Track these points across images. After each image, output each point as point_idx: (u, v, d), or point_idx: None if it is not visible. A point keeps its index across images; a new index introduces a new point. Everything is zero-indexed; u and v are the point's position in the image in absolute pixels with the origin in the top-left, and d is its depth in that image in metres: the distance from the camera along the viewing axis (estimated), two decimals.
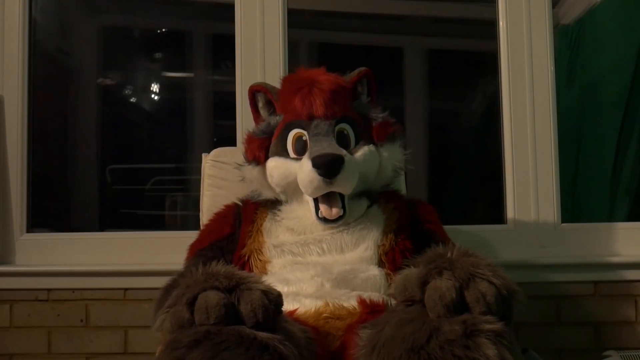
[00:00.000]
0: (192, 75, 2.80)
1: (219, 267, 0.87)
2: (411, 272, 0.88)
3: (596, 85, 2.22)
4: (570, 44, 2.27)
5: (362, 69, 1.29)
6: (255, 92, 1.31)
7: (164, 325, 0.82)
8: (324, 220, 1.13)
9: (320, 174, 1.09)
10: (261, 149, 1.22)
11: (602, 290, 1.62)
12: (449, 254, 0.88)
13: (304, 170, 1.12)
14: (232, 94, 1.74)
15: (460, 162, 2.70)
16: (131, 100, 2.79)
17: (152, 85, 2.79)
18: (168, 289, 1.06)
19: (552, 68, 1.72)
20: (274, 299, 0.83)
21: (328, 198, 1.13)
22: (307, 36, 2.61)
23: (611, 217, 2.11)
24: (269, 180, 1.21)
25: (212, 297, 0.79)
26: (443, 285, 0.81)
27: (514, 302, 0.84)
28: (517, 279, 1.63)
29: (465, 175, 2.62)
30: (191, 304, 0.80)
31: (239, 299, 0.80)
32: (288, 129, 1.20)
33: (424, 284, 0.83)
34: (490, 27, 1.79)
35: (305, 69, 1.26)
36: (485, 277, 0.82)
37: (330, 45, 2.79)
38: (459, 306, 0.80)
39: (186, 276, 0.90)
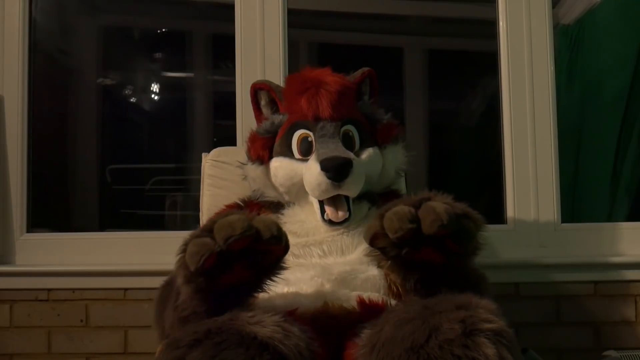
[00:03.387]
0: (192, 75, 2.80)
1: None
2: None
3: (596, 85, 2.22)
4: (570, 44, 2.27)
5: (366, 69, 1.29)
6: (257, 89, 1.30)
7: (187, 251, 0.82)
8: (330, 222, 1.13)
9: (328, 177, 1.09)
10: (265, 148, 1.22)
11: (602, 290, 1.62)
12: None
13: (312, 173, 1.12)
14: (232, 94, 1.74)
15: (460, 162, 2.70)
16: (131, 100, 2.79)
17: (152, 85, 2.79)
18: (167, 286, 1.07)
19: (552, 68, 1.72)
20: (276, 222, 0.86)
21: (334, 200, 1.13)
22: (307, 36, 2.62)
23: (611, 217, 2.11)
24: (273, 180, 1.21)
25: (233, 216, 0.82)
26: (398, 209, 0.85)
27: (471, 222, 0.87)
28: (517, 279, 1.65)
29: (465, 175, 2.62)
30: (210, 231, 0.82)
31: (251, 219, 0.83)
32: (293, 129, 1.19)
33: (381, 216, 0.87)
34: (490, 27, 1.79)
35: (310, 68, 1.25)
36: (438, 198, 0.87)
37: (330, 45, 2.79)
38: (418, 230, 0.83)
39: None
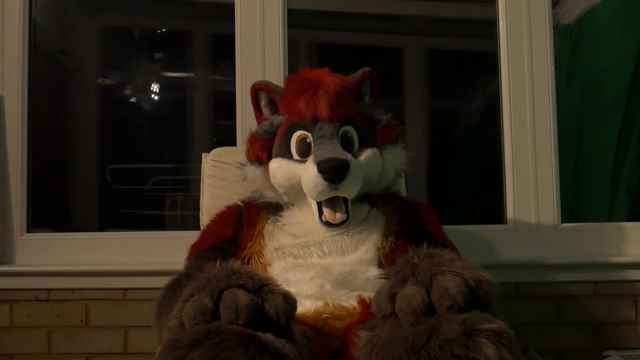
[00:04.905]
0: (192, 75, 2.80)
1: (239, 265, 0.86)
2: (382, 287, 0.87)
3: (596, 85, 2.22)
4: (570, 44, 2.27)
5: (366, 69, 1.28)
6: (257, 90, 1.30)
7: (184, 310, 0.80)
8: (327, 224, 1.13)
9: (325, 179, 1.09)
10: (264, 149, 1.22)
11: (602, 290, 1.62)
12: (414, 260, 0.87)
13: (308, 174, 1.11)
14: (232, 94, 1.74)
15: (460, 162, 2.70)
16: (131, 100, 2.79)
17: (152, 85, 2.79)
18: (171, 288, 1.06)
19: (552, 68, 1.72)
20: (293, 304, 0.83)
21: (332, 202, 1.13)
22: (307, 36, 2.61)
23: (611, 217, 2.11)
24: (272, 181, 1.21)
25: (242, 297, 0.78)
26: (408, 293, 0.80)
27: (487, 289, 0.83)
28: (517, 279, 1.65)
29: (466, 176, 2.62)
30: (217, 297, 0.79)
31: (263, 301, 0.80)
32: (292, 131, 1.19)
33: (392, 296, 0.83)
34: (490, 27, 1.79)
35: (309, 69, 1.25)
36: (448, 272, 0.82)
37: (330, 45, 2.79)
38: (430, 309, 0.79)
39: (202, 270, 0.88)
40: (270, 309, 0.80)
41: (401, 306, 0.80)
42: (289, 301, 0.82)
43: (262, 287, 0.81)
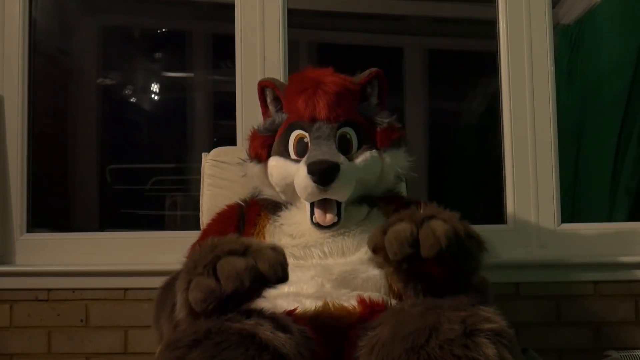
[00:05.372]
0: (192, 75, 2.81)
1: (213, 238, 0.86)
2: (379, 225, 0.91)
3: (596, 85, 2.22)
4: (570, 44, 2.27)
5: (373, 69, 1.26)
6: (263, 87, 1.30)
7: (192, 297, 0.79)
8: (318, 225, 1.13)
9: (314, 181, 1.09)
10: (264, 147, 1.22)
11: (602, 290, 1.62)
12: (417, 209, 0.90)
13: (299, 175, 1.11)
14: (232, 94, 1.74)
15: (460, 162, 2.70)
16: (131, 100, 2.79)
17: (152, 85, 2.79)
18: (167, 287, 1.07)
19: (552, 68, 1.72)
20: (282, 253, 0.84)
21: (324, 204, 1.13)
22: (307, 36, 2.62)
23: (611, 217, 2.11)
24: (270, 178, 1.21)
25: (237, 262, 0.79)
26: (399, 228, 0.84)
27: (474, 244, 0.87)
28: (517, 279, 1.65)
29: (465, 175, 2.62)
30: (213, 272, 0.79)
31: (255, 260, 0.80)
32: (290, 130, 1.19)
33: (385, 231, 0.87)
34: (490, 27, 1.79)
35: (313, 68, 1.24)
36: (441, 217, 0.85)
37: (330, 45, 2.79)
38: (417, 245, 0.83)
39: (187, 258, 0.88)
40: (264, 266, 0.80)
41: (389, 237, 0.85)
42: (279, 252, 0.83)
43: (248, 248, 0.82)
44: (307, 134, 1.17)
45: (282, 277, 0.81)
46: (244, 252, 0.81)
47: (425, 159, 2.57)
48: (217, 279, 0.79)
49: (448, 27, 2.79)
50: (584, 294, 1.62)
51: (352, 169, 1.14)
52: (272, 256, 0.81)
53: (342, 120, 1.17)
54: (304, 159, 1.13)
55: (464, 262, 0.88)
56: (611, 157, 2.12)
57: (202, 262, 0.81)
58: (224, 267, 0.79)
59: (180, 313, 0.84)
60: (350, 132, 1.18)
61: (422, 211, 0.89)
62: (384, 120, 1.23)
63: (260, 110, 1.32)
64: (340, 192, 1.12)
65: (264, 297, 0.85)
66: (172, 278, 1.09)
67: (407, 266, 0.88)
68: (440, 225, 0.84)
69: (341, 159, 1.12)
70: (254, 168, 1.23)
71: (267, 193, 1.23)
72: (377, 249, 0.89)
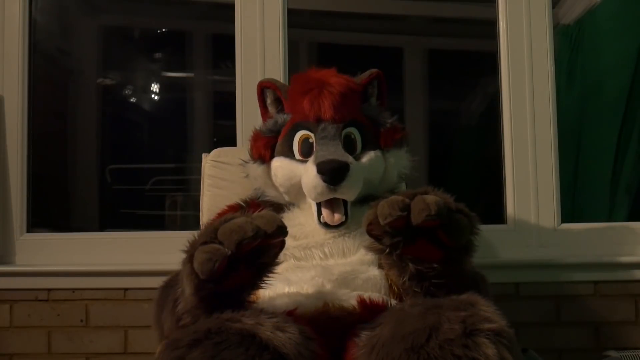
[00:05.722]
0: (192, 75, 2.81)
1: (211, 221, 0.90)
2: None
3: (596, 85, 2.22)
4: (570, 44, 2.27)
5: (374, 70, 1.27)
6: (264, 87, 1.29)
7: (197, 261, 0.81)
8: (326, 225, 1.13)
9: (324, 180, 1.09)
10: (267, 148, 1.22)
11: (602, 290, 1.63)
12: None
13: (308, 175, 1.11)
14: (232, 94, 1.74)
15: (460, 162, 2.70)
16: (131, 100, 2.79)
17: (152, 85, 2.79)
18: (167, 287, 1.07)
19: (552, 68, 1.72)
20: (277, 216, 0.87)
21: (331, 203, 1.13)
22: (307, 36, 2.62)
23: (611, 217, 2.11)
24: (273, 179, 1.21)
25: (236, 220, 0.82)
26: (392, 198, 0.88)
27: (467, 221, 0.90)
28: (517, 279, 1.65)
29: (465, 175, 2.62)
30: (215, 237, 0.82)
31: (252, 219, 0.83)
32: (295, 130, 1.19)
33: (376, 205, 0.90)
34: (490, 27, 1.79)
35: (316, 69, 1.24)
36: (433, 193, 0.89)
37: (330, 45, 2.79)
38: (408, 212, 0.86)
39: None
40: (262, 221, 0.83)
41: (382, 204, 0.88)
42: (273, 214, 0.87)
43: (244, 214, 0.85)
44: (312, 135, 1.17)
45: (281, 227, 0.84)
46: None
47: (425, 159, 2.57)
48: (220, 243, 0.81)
49: (448, 27, 2.79)
50: (584, 294, 1.62)
51: (360, 168, 1.15)
52: (267, 214, 0.85)
53: (346, 120, 1.18)
54: (312, 158, 1.13)
55: (455, 235, 0.90)
56: (611, 157, 2.11)
57: (202, 238, 0.84)
58: (225, 228, 0.82)
59: (186, 290, 0.86)
60: (354, 132, 1.19)
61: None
62: (387, 120, 1.24)
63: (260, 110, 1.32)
64: (349, 192, 1.12)
65: (272, 256, 0.89)
66: (172, 278, 1.09)
67: (400, 250, 0.91)
68: (431, 196, 0.87)
69: (350, 158, 1.12)
70: (257, 169, 1.23)
71: (270, 194, 1.23)
72: (370, 224, 0.91)
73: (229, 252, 0.80)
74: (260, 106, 1.30)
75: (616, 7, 2.18)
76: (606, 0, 2.20)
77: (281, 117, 1.23)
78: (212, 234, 0.83)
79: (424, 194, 0.89)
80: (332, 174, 1.08)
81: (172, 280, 1.07)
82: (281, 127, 1.22)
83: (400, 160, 1.23)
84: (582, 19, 2.28)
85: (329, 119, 1.16)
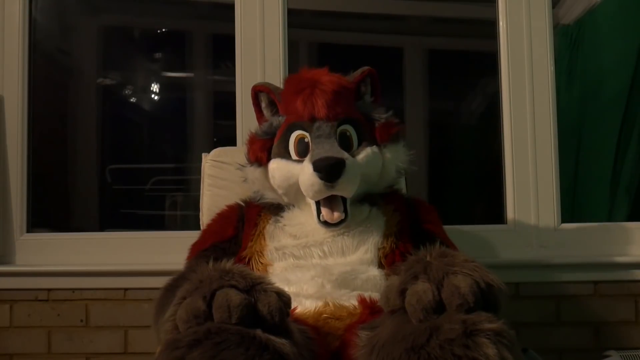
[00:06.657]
0: (192, 75, 2.80)
1: (231, 265, 0.86)
2: (392, 282, 0.88)
3: (596, 85, 2.22)
4: (570, 44, 2.27)
5: (366, 68, 1.27)
6: (258, 92, 1.30)
7: (178, 314, 0.80)
8: (326, 223, 1.13)
9: (321, 178, 1.09)
10: (263, 150, 1.22)
11: (602, 290, 1.63)
12: (427, 257, 0.88)
13: (305, 174, 1.11)
14: (232, 94, 1.74)
15: (460, 162, 2.70)
16: (131, 100, 2.79)
17: (152, 85, 2.79)
18: (169, 288, 1.06)
19: (552, 68, 1.72)
20: (287, 302, 0.83)
21: (330, 201, 1.13)
22: (307, 36, 2.61)
23: (611, 217, 2.11)
24: (271, 181, 1.20)
25: (234, 297, 0.79)
26: (419, 289, 0.81)
27: (497, 293, 0.83)
28: (517, 279, 1.65)
29: (465, 176, 2.62)
30: (210, 299, 0.80)
31: (255, 301, 0.80)
32: (290, 131, 1.19)
33: (402, 291, 0.83)
34: (490, 27, 1.79)
35: (308, 69, 1.25)
36: (460, 272, 0.82)
37: (330, 45, 2.79)
38: (440, 307, 0.80)
39: (195, 271, 0.88)
40: (263, 308, 0.80)
41: (411, 302, 0.81)
42: (283, 299, 0.82)
43: (255, 286, 0.82)
44: (307, 134, 1.17)
45: (277, 323, 0.80)
46: (249, 289, 0.81)
47: (425, 159, 2.57)
48: (210, 306, 0.79)
49: (448, 27, 2.79)
50: (584, 294, 1.62)
51: (356, 164, 1.14)
52: (274, 301, 0.81)
53: (341, 118, 1.18)
54: (308, 157, 1.13)
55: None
56: (611, 156, 2.12)
57: (205, 287, 0.81)
58: (220, 297, 0.79)
59: (166, 324, 0.83)
60: (349, 129, 1.19)
61: (430, 258, 0.86)
62: (381, 116, 1.24)
63: None
64: (347, 188, 1.12)
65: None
66: (175, 279, 1.09)
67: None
68: (462, 280, 0.80)
69: (345, 155, 1.12)
70: (254, 172, 1.23)
71: (269, 196, 1.23)
72: (395, 311, 0.85)
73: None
74: (255, 110, 1.31)
75: (616, 7, 2.18)
76: (606, 0, 2.20)
77: (276, 120, 1.24)
78: (210, 292, 0.80)
79: (451, 272, 0.82)
80: (329, 170, 1.08)
81: (174, 283, 1.07)
82: (276, 129, 1.22)
83: (397, 155, 1.23)
84: (582, 19, 2.28)
85: (323, 117, 1.16)
